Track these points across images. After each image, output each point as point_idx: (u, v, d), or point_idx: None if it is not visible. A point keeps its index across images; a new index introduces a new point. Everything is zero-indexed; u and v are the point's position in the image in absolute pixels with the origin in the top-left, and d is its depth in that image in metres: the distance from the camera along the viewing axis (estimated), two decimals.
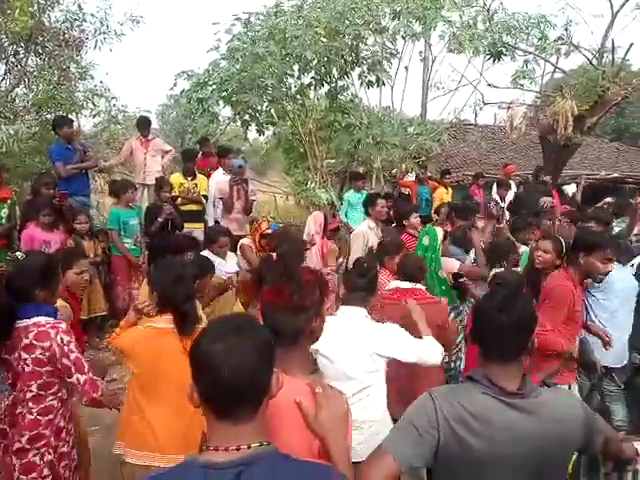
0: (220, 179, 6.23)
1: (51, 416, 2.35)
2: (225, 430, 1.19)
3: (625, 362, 3.79)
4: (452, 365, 3.97)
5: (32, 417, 2.32)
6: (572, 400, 1.68)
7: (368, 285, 2.67)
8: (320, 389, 1.44)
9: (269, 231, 4.85)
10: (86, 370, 2.33)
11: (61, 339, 2.30)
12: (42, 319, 2.34)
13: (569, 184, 8.11)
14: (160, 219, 5.55)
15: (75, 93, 8.20)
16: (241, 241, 5.07)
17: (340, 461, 1.36)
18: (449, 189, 8.93)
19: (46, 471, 2.32)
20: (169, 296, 2.42)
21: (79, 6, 8.01)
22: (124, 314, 5.70)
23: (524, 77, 8.94)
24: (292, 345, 1.53)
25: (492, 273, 3.79)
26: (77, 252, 3.73)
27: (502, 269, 3.86)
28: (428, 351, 2.54)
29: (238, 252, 4.90)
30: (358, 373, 2.45)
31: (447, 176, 9.09)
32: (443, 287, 4.24)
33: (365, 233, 5.13)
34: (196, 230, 6.12)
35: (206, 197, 6.47)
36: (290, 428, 1.41)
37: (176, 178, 6.46)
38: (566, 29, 8.95)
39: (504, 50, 8.52)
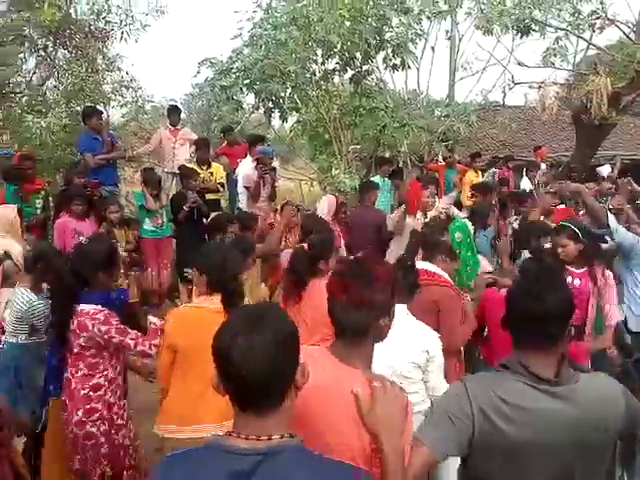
0: (248, 167, 6.26)
1: (100, 392, 2.59)
2: (247, 420, 1.19)
3: None
4: None
5: (85, 392, 2.57)
6: (612, 385, 1.61)
7: (412, 284, 2.71)
8: (379, 383, 1.37)
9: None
10: (132, 346, 2.56)
11: (98, 330, 2.50)
12: (87, 308, 2.55)
13: (603, 165, 7.79)
14: (186, 207, 5.63)
15: (103, 85, 8.35)
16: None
17: (392, 462, 1.28)
18: (479, 172, 8.73)
19: (102, 439, 2.59)
20: (217, 278, 2.54)
21: None
22: (155, 295, 5.91)
23: (555, 55, 8.61)
24: (356, 341, 1.49)
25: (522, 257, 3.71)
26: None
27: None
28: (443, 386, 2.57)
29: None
30: (402, 368, 2.47)
31: (477, 159, 8.86)
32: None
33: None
34: None
35: (222, 185, 6.52)
36: (339, 416, 1.38)
37: (191, 167, 6.49)
38: (601, 2, 8.52)
39: (533, 26, 8.22)
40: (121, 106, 8.72)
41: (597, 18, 8.65)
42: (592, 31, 8.87)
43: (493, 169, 9.01)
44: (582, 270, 3.34)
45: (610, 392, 1.57)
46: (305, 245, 3.43)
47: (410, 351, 2.53)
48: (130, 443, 2.73)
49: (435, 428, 1.52)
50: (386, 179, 7.06)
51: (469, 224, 4.67)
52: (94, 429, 2.56)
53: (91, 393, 2.58)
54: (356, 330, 1.48)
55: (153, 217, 5.87)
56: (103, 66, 8.38)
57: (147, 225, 5.88)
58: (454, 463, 1.71)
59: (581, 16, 8.54)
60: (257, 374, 1.15)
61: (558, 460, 1.50)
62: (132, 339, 2.57)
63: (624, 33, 8.72)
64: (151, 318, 2.71)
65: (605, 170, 7.13)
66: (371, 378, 1.41)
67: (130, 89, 8.62)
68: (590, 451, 1.52)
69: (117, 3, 8.18)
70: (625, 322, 3.69)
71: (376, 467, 1.33)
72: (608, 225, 3.60)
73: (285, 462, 1.14)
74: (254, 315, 1.24)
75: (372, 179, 7.16)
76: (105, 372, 2.61)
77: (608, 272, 3.46)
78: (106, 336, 2.51)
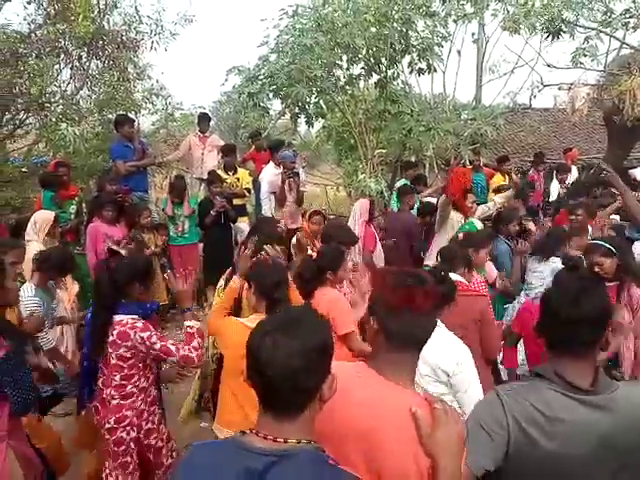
0: (272, 173, 6.33)
1: (131, 400, 2.68)
2: (267, 421, 1.21)
3: None
4: None
5: (116, 402, 2.66)
6: None
7: (450, 295, 2.63)
8: (440, 404, 1.33)
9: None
10: (174, 351, 2.62)
11: (140, 337, 2.56)
12: (125, 318, 2.61)
13: (636, 167, 7.58)
14: (213, 212, 5.74)
15: (134, 93, 8.57)
16: (296, 235, 5.12)
17: None
18: (506, 176, 8.60)
19: (132, 445, 2.69)
20: (269, 291, 2.58)
21: (135, 8, 8.35)
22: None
23: (584, 55, 8.41)
24: (409, 355, 1.42)
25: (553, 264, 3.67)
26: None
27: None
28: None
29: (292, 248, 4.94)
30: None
31: (505, 163, 8.71)
32: None
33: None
34: (242, 224, 6.30)
35: (249, 190, 6.61)
36: (388, 436, 1.30)
37: (218, 173, 6.62)
38: (634, 1, 8.31)
39: (563, 27, 8.05)
40: (151, 114, 8.96)
41: (630, 17, 8.42)
42: (625, 30, 8.64)
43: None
44: (613, 284, 3.29)
45: None
46: (314, 254, 3.45)
47: (442, 362, 2.41)
48: (162, 445, 2.81)
49: (470, 442, 1.44)
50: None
51: (479, 224, 4.65)
52: (124, 434, 2.65)
53: (122, 402, 2.66)
54: (419, 341, 1.42)
55: (175, 224, 6.00)
56: (134, 75, 8.61)
57: (172, 232, 6.02)
58: None
59: (613, 15, 8.32)
60: (281, 376, 1.16)
61: (598, 472, 1.46)
62: (173, 344, 2.63)
63: None
64: (187, 322, 2.73)
65: (638, 173, 6.93)
66: (431, 399, 1.35)
67: (160, 97, 8.84)
68: (631, 461, 1.47)
69: (147, 13, 8.43)
70: None
71: None
72: None
73: (298, 466, 1.14)
74: (290, 318, 1.25)
75: (398, 183, 7.15)
76: (137, 383, 2.67)
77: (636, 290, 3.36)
78: (148, 342, 2.56)
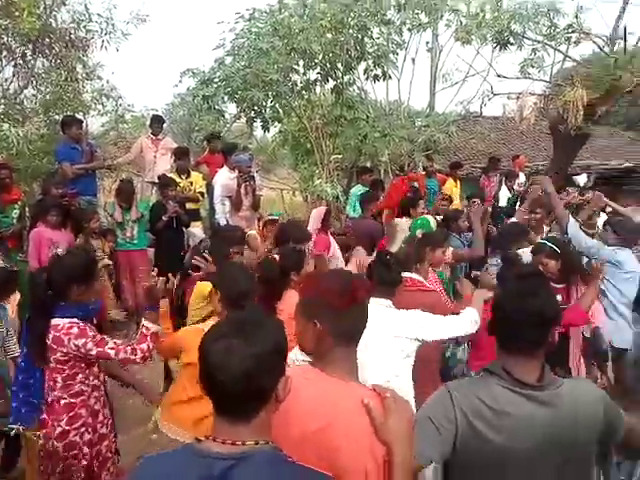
0: (225, 177, 6.20)
1: (84, 397, 2.50)
2: (223, 425, 1.19)
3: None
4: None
5: (66, 401, 2.48)
6: (593, 391, 1.64)
7: (394, 279, 2.76)
8: (389, 393, 1.37)
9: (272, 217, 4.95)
10: (113, 355, 2.46)
11: (75, 345, 2.42)
12: (61, 323, 2.46)
13: (580, 174, 7.95)
14: (165, 217, 5.60)
15: (83, 94, 8.27)
16: (248, 232, 5.07)
17: (402, 471, 1.29)
18: (458, 182, 8.81)
19: (86, 449, 2.50)
20: (236, 300, 2.48)
21: (85, 6, 8.04)
22: (132, 310, 5.82)
23: (532, 66, 8.78)
24: (352, 350, 1.47)
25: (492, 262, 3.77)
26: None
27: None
28: (457, 325, 2.67)
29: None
30: (385, 362, 2.49)
31: (459, 169, 8.89)
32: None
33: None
34: (195, 228, 6.18)
35: (202, 194, 6.49)
36: (340, 431, 1.32)
37: (171, 177, 6.44)
38: (576, 16, 8.73)
39: (511, 39, 8.39)
40: (101, 115, 8.67)
41: (573, 32, 8.86)
42: (568, 44, 9.08)
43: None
44: (561, 286, 3.38)
45: (591, 397, 1.59)
46: (276, 256, 3.44)
47: (388, 342, 2.58)
48: (111, 456, 2.66)
49: (418, 434, 1.50)
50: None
51: (432, 221, 4.78)
52: (77, 437, 2.47)
53: (73, 400, 2.50)
54: (362, 333, 1.48)
55: (123, 229, 5.82)
56: (83, 75, 8.30)
57: (120, 237, 5.83)
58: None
59: (557, 29, 8.73)
60: (235, 380, 1.14)
61: (542, 465, 1.51)
62: (111, 348, 2.47)
63: (598, 46, 8.93)
64: (146, 322, 2.58)
65: (582, 179, 7.27)
66: (380, 390, 1.38)
67: (110, 98, 8.56)
68: (573, 455, 1.53)
69: (98, 11, 8.12)
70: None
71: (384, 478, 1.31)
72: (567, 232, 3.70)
73: (256, 467, 1.13)
74: (243, 320, 1.23)
75: (354, 188, 7.21)
76: (86, 380, 2.53)
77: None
78: (83, 350, 2.43)
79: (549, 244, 3.46)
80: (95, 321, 2.78)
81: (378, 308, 2.59)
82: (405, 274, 3.20)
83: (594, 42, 8.95)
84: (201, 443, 1.19)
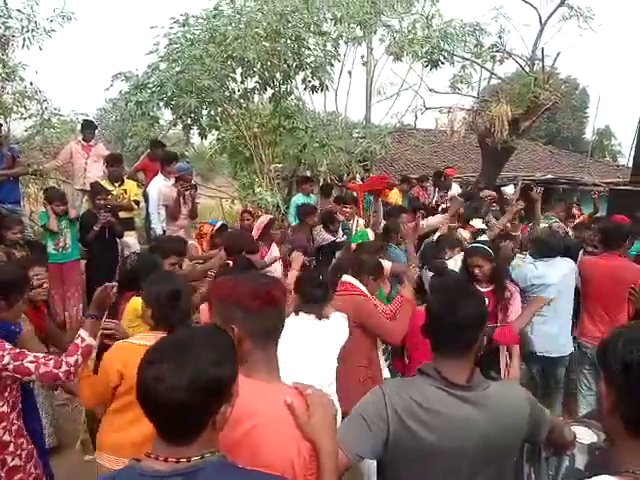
0: (162, 185, 5.99)
1: None
2: (163, 444, 1.14)
3: (569, 352, 4.00)
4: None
5: None
6: (519, 392, 1.72)
7: (323, 296, 2.84)
8: (310, 390, 1.39)
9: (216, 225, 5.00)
10: (32, 369, 2.22)
11: None
12: None
13: (507, 185, 8.43)
14: (96, 227, 5.33)
15: (3, 95, 7.75)
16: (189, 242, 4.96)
17: (329, 464, 1.32)
18: (401, 193, 8.96)
19: None
20: (165, 313, 2.32)
21: (4, 1, 7.54)
22: (62, 327, 5.47)
23: (461, 81, 9.24)
24: (273, 353, 1.47)
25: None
26: (32, 259, 3.60)
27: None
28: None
29: None
30: (317, 372, 2.59)
31: (408, 185, 9.02)
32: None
33: None
34: (129, 238, 5.94)
35: (137, 202, 6.23)
36: (267, 430, 1.32)
37: (103, 185, 6.14)
38: (500, 37, 9.31)
39: (442, 58, 8.79)
40: (24, 119, 8.14)
41: (497, 51, 9.43)
42: (493, 62, 9.64)
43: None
44: (488, 289, 3.45)
45: (517, 398, 1.67)
46: (230, 263, 3.44)
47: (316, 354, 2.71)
48: None
49: (350, 431, 1.56)
50: (312, 195, 7.19)
51: (371, 233, 4.92)
52: None
53: None
54: (280, 334, 1.48)
55: (56, 239, 5.46)
56: (3, 75, 7.77)
57: (50, 248, 5.45)
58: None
59: (482, 48, 9.26)
60: (166, 410, 1.09)
61: (470, 463, 1.57)
62: (31, 362, 2.23)
63: (520, 65, 9.55)
64: (82, 332, 2.33)
65: (509, 189, 7.69)
66: (301, 388, 1.40)
67: (34, 101, 8.07)
68: (497, 454, 1.60)
69: (18, 7, 7.63)
70: None
71: (311, 474, 1.33)
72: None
73: (207, 478, 1.10)
74: (179, 343, 1.17)
75: (294, 197, 7.23)
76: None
77: (512, 286, 3.65)
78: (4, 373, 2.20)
79: (483, 247, 3.56)
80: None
81: (307, 322, 2.76)
82: (344, 277, 3.33)
83: (516, 61, 9.58)
84: (142, 462, 1.14)
